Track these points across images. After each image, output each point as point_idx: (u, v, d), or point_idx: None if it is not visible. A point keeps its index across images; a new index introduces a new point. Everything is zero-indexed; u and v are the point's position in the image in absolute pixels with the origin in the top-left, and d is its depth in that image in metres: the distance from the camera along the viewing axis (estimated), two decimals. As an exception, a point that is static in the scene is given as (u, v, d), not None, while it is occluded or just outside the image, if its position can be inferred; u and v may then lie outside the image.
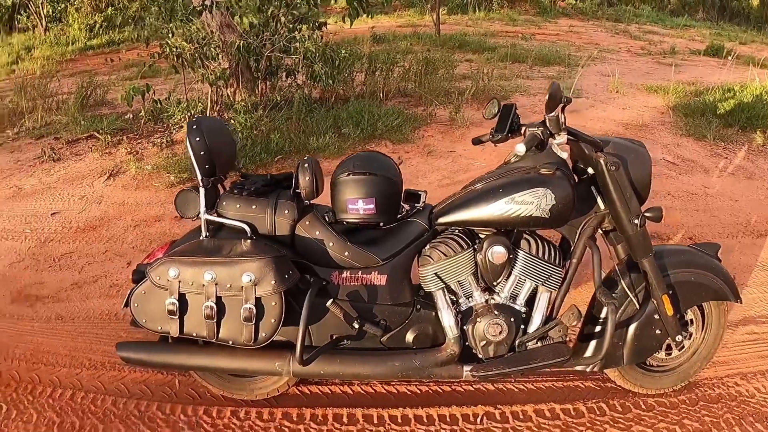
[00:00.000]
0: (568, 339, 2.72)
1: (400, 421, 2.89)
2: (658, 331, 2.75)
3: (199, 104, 7.23)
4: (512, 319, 2.57)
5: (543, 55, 10.38)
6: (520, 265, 2.57)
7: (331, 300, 2.52)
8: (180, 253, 2.42)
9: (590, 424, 2.89)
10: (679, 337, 2.78)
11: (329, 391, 3.09)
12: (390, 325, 2.64)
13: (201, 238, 2.52)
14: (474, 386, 3.10)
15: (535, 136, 2.43)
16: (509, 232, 2.61)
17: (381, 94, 7.86)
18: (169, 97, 7.59)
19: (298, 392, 3.07)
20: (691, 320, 2.95)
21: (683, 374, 3.02)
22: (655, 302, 2.68)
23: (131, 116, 7.65)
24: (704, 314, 2.97)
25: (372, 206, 2.49)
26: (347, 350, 2.64)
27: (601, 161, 2.45)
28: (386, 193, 2.55)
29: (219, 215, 2.51)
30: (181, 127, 6.91)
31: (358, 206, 2.48)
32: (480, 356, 2.63)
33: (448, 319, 2.59)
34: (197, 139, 2.42)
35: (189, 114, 7.00)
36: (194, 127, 2.46)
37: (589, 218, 2.61)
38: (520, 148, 2.33)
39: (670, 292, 2.69)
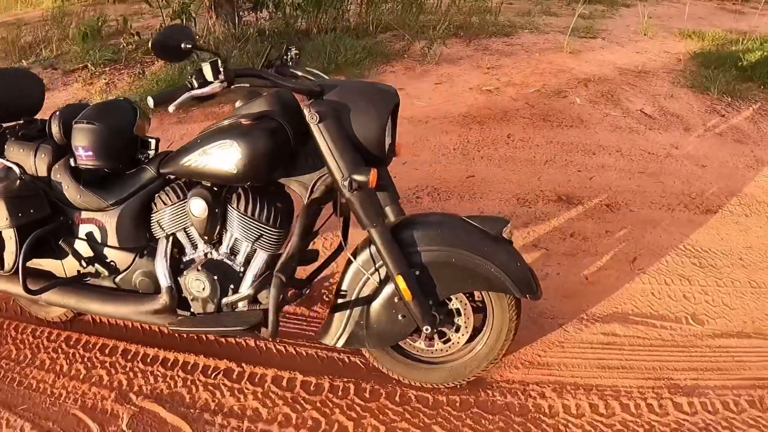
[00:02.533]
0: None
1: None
2: (401, 316, 2.24)
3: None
4: (217, 277, 2.35)
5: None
6: (231, 221, 2.34)
7: (62, 239, 2.55)
8: None
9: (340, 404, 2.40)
10: (426, 328, 2.22)
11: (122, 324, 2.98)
12: (118, 267, 2.56)
13: None
14: (266, 345, 2.72)
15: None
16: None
17: (371, 27, 7.18)
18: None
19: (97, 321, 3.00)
20: (458, 310, 2.33)
21: (454, 372, 2.40)
22: None
23: (124, 47, 7.43)
24: (486, 306, 2.32)
25: (90, 153, 2.40)
26: (88, 286, 2.63)
27: (304, 111, 2.06)
28: (105, 142, 2.40)
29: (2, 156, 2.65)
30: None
31: (80, 153, 2.42)
32: (192, 310, 2.47)
33: (160, 268, 2.45)
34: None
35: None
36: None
37: (321, 176, 2.20)
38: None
39: (417, 272, 2.17)
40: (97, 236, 2.54)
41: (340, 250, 2.59)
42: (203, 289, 2.35)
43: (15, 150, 2.61)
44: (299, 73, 2.40)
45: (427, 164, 4.23)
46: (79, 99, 6.17)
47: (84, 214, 2.54)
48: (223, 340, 2.76)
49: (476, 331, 2.36)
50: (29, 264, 2.57)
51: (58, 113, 2.54)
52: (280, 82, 2.05)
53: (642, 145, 4.35)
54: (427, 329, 2.21)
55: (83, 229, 2.56)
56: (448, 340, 2.37)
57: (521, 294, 2.15)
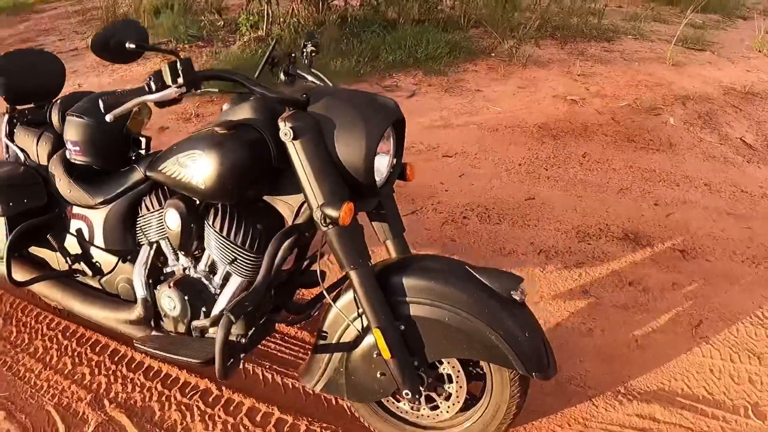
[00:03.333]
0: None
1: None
2: (380, 374, 1.89)
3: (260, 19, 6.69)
4: (188, 297, 2.11)
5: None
6: (208, 238, 2.07)
7: (53, 232, 2.47)
8: None
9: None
10: (407, 392, 1.87)
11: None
12: (103, 269, 2.43)
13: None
14: (254, 369, 2.48)
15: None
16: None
17: (463, 21, 6.77)
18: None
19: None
20: (449, 376, 1.93)
21: None
22: None
23: (222, 25, 7.44)
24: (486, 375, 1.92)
25: (78, 148, 2.27)
26: (76, 283, 2.53)
27: (279, 125, 1.73)
28: (93, 138, 2.26)
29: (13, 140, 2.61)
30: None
31: (70, 147, 2.30)
32: (164, 327, 2.28)
33: (138, 276, 2.26)
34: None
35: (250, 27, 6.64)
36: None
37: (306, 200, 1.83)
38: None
39: (402, 327, 1.82)
40: (86, 234, 2.43)
41: None
42: (174, 307, 2.13)
43: (22, 135, 2.56)
44: (309, 77, 2.09)
45: (485, 179, 3.84)
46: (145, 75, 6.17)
47: (75, 209, 2.43)
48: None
49: (474, 400, 1.97)
50: (32, 250, 2.60)
51: (59, 102, 2.44)
52: (255, 88, 1.73)
53: (735, 180, 3.76)
54: (407, 393, 1.86)
55: (74, 225, 2.45)
56: (437, 407, 1.98)
57: (526, 371, 1.74)
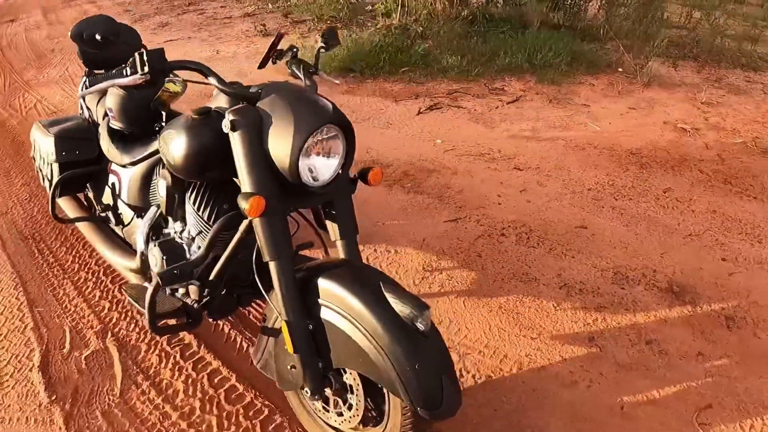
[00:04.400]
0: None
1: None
2: (291, 366, 1.84)
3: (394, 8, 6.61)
4: (166, 257, 2.19)
5: None
6: (187, 209, 2.17)
7: (94, 182, 2.81)
8: (49, 121, 2.99)
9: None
10: (306, 390, 1.85)
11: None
12: (123, 220, 2.65)
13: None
14: (236, 336, 2.58)
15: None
16: None
17: (602, 32, 6.21)
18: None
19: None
20: (351, 387, 1.83)
21: None
22: None
23: (370, 7, 7.53)
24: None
25: (113, 115, 2.50)
26: (105, 227, 2.78)
27: (225, 116, 1.81)
28: (124, 108, 2.47)
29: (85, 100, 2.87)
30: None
31: (107, 112, 2.53)
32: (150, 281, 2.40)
33: (140, 232, 2.39)
34: (78, 32, 2.63)
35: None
36: (80, 25, 2.68)
37: None
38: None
39: (310, 326, 1.78)
40: (116, 188, 2.64)
41: None
42: (156, 264, 2.25)
43: (90, 96, 2.83)
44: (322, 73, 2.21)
45: (545, 198, 3.46)
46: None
47: (113, 166, 2.64)
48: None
49: (380, 417, 1.82)
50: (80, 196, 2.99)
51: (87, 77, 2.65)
52: (211, 79, 1.84)
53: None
54: (307, 391, 1.83)
55: (110, 179, 2.68)
56: (341, 413, 1.87)
57: (411, 404, 1.59)
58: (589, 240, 3.06)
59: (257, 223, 1.75)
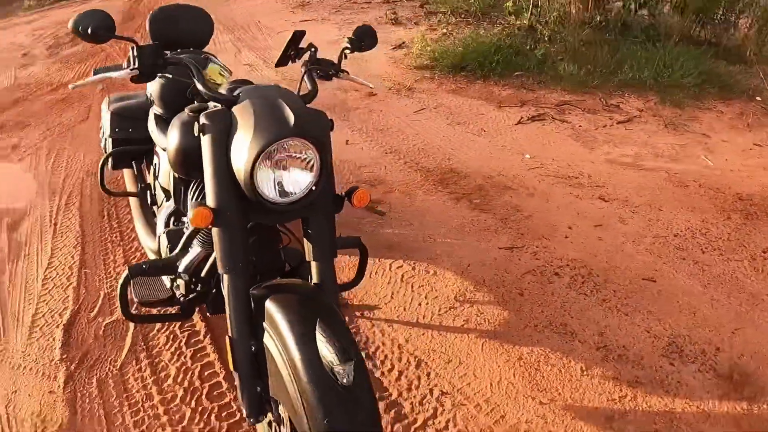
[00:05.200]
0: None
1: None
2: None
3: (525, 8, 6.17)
4: (169, 246, 2.18)
5: None
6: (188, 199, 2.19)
7: (138, 160, 2.90)
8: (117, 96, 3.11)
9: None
10: (244, 411, 1.71)
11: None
12: (157, 200, 2.64)
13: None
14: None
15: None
16: None
17: (750, 53, 5.35)
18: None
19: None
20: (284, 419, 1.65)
21: None
22: None
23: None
24: None
25: (153, 99, 2.55)
26: (145, 205, 2.82)
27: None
28: (162, 95, 2.51)
29: None
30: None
31: (150, 97, 2.59)
32: None
33: (161, 214, 2.39)
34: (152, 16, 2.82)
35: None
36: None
37: None
38: None
39: (253, 347, 1.66)
40: (156, 169, 2.61)
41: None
42: (163, 250, 2.24)
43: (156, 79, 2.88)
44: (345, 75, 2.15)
45: (620, 238, 2.99)
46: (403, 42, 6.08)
47: (157, 148, 2.62)
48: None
49: None
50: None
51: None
52: (197, 80, 1.75)
53: None
54: (245, 413, 1.69)
55: (154, 159, 2.67)
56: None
57: None
58: (653, 297, 2.58)
59: (214, 233, 1.64)
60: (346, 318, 2.57)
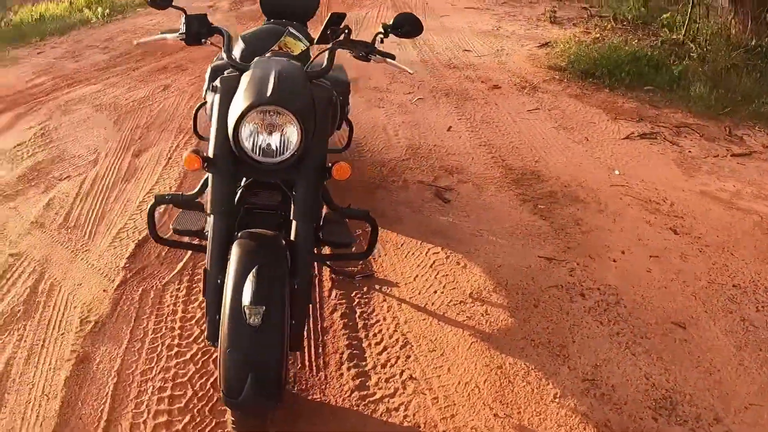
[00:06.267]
0: None
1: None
2: None
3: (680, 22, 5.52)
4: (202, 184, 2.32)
5: None
6: None
7: None
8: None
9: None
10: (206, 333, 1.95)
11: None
12: None
13: None
14: None
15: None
16: None
17: None
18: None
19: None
20: None
21: None
22: None
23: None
24: None
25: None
26: None
27: None
28: (242, 57, 2.46)
29: None
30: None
31: None
32: None
33: None
34: None
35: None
36: None
37: None
38: None
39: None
40: None
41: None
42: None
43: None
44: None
45: (670, 276, 2.64)
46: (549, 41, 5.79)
47: None
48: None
49: None
50: None
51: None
52: (223, 50, 1.96)
53: None
54: (205, 335, 1.87)
55: None
56: None
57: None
58: (673, 343, 2.27)
59: (209, 179, 1.82)
60: (366, 288, 2.56)
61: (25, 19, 7.24)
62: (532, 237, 2.92)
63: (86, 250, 2.80)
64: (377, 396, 2.03)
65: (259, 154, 1.72)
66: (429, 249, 2.82)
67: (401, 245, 2.87)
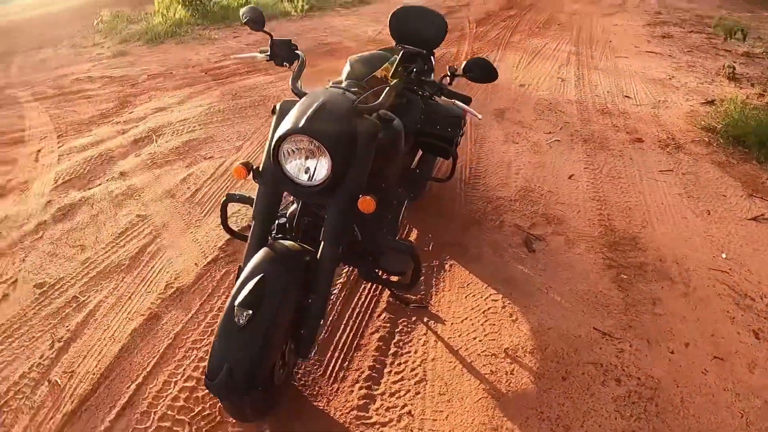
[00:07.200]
0: None
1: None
2: None
3: None
4: None
5: None
6: None
7: None
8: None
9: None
10: None
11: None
12: None
13: None
14: None
15: None
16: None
17: None
18: None
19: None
20: None
21: None
22: None
23: None
24: None
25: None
26: None
27: None
28: (352, 73, 2.72)
29: None
30: None
31: None
32: None
33: None
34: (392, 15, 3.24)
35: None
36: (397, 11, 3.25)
37: None
38: None
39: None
40: None
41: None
42: None
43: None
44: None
45: (727, 382, 2.41)
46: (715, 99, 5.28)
47: None
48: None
49: None
50: None
51: None
52: (292, 77, 2.19)
53: None
54: None
55: None
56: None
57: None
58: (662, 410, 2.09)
59: (257, 189, 2.02)
60: (414, 318, 2.68)
61: (232, 3, 8.02)
62: (599, 306, 2.81)
63: (197, 226, 3.26)
64: (372, 420, 2.18)
65: (299, 176, 1.88)
66: (490, 295, 2.85)
67: (467, 285, 2.92)
